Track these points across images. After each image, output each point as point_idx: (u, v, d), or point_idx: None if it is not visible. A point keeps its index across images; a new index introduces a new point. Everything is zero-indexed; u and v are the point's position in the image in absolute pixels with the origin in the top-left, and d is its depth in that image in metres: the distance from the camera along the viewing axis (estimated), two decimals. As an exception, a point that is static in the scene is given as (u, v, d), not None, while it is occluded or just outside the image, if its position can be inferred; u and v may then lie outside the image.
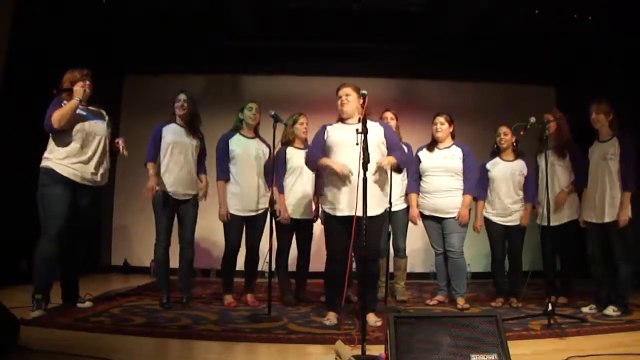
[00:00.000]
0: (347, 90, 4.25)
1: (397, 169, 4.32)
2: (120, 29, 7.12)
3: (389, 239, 5.13)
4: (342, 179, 4.02)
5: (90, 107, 4.59)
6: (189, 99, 4.92)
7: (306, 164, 4.41)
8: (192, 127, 4.96)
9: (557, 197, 5.20)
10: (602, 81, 6.83)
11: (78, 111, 4.39)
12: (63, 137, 4.35)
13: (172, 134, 4.87)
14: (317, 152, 4.26)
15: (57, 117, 4.24)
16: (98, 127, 4.55)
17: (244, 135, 5.06)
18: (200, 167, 5.08)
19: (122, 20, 6.97)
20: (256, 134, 5.14)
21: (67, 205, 4.29)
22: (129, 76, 8.07)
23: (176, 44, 7.42)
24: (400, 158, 4.18)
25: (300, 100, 7.13)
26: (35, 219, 4.29)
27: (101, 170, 4.55)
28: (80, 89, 4.39)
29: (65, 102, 4.33)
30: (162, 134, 4.86)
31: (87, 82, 4.49)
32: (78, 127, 4.39)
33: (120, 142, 4.69)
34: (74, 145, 4.37)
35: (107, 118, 4.71)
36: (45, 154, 4.37)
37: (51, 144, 4.39)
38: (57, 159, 4.32)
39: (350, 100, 4.21)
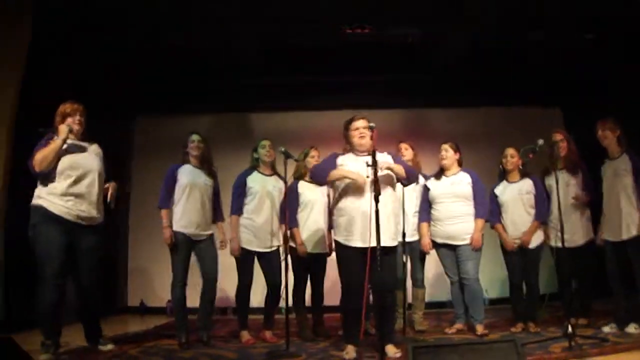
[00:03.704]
0: (365, 122, 4.16)
1: (406, 181, 4.29)
2: (130, 70, 7.28)
3: (404, 268, 5.12)
4: (357, 210, 4.00)
5: (82, 143, 4.40)
6: (202, 139, 5.00)
7: (313, 177, 4.33)
8: (207, 167, 5.01)
9: (577, 197, 5.11)
10: (608, 100, 6.85)
11: (67, 146, 4.19)
12: (50, 174, 4.14)
13: (188, 175, 4.89)
14: (327, 167, 4.20)
15: (39, 158, 4.06)
16: (89, 163, 4.34)
17: (261, 173, 5.11)
18: (217, 211, 5.07)
19: (132, 62, 7.14)
20: (274, 171, 5.19)
21: (61, 245, 4.10)
22: (140, 117, 8.22)
23: (186, 84, 7.57)
24: (407, 169, 4.18)
25: (310, 135, 7.17)
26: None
27: (97, 207, 4.36)
28: (65, 128, 4.16)
29: (56, 137, 4.16)
30: (177, 176, 4.88)
31: (78, 118, 4.30)
32: (66, 164, 4.18)
33: (110, 189, 4.49)
34: (63, 183, 4.15)
35: (100, 153, 4.53)
36: (36, 192, 4.18)
37: (40, 179, 4.19)
38: (49, 195, 4.12)
39: (367, 133, 4.10)
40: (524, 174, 5.27)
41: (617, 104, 6.53)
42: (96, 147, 4.53)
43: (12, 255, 5.29)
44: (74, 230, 4.20)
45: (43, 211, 4.09)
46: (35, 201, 4.15)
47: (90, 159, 4.38)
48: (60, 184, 4.15)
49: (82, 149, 4.37)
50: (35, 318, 4.14)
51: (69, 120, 4.25)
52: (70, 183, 4.18)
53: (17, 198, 5.10)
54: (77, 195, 4.20)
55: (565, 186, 5.08)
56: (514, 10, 6.19)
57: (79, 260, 4.29)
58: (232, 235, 4.99)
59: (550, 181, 5.11)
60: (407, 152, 5.34)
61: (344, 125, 4.31)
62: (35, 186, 4.23)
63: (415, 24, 6.76)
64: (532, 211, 5.18)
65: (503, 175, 5.34)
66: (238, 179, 5.11)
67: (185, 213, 4.83)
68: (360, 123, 4.19)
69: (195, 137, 4.98)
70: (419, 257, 5.39)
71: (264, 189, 5.02)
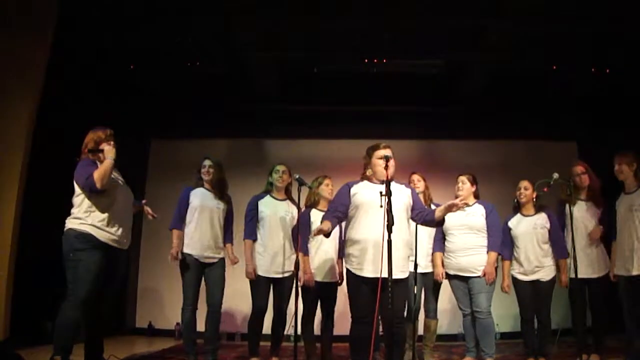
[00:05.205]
0: (390, 152, 4.03)
1: (433, 223, 4.22)
2: (147, 93, 7.36)
3: (415, 300, 5.06)
4: (369, 240, 3.94)
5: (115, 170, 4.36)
6: (214, 164, 5.05)
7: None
8: (219, 191, 5.05)
9: (592, 233, 5.07)
10: (624, 135, 6.82)
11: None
12: (102, 200, 4.12)
13: (199, 198, 4.98)
14: (329, 215, 4.10)
15: (100, 176, 3.99)
16: (127, 190, 4.43)
17: (274, 197, 5.13)
18: (227, 234, 5.11)
19: (149, 85, 7.22)
20: (288, 196, 5.20)
21: (99, 270, 4.05)
22: (154, 140, 8.28)
23: (202, 108, 7.64)
24: None
25: (323, 163, 7.21)
26: (60, 280, 4.13)
27: (129, 234, 4.41)
28: (112, 149, 4.14)
29: (98, 162, 4.14)
30: (190, 198, 4.99)
31: (112, 143, 4.24)
32: (113, 189, 4.20)
33: (146, 207, 4.68)
34: (114, 209, 4.16)
35: None
36: (79, 215, 4.10)
37: (83, 205, 4.11)
38: (97, 222, 4.09)
39: (391, 163, 3.92)
40: (539, 208, 5.21)
41: (633, 138, 6.50)
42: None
43: (19, 273, 5.34)
44: (111, 255, 4.18)
45: (90, 237, 4.05)
46: (79, 227, 4.07)
47: (127, 186, 4.44)
48: (109, 212, 4.14)
49: (119, 177, 4.39)
50: (54, 333, 4.05)
51: (106, 144, 4.20)
52: (117, 211, 4.19)
53: (27, 220, 5.18)
54: (120, 224, 4.22)
55: (583, 217, 5.05)
56: (532, 43, 6.23)
57: (107, 283, 4.22)
58: (246, 259, 4.99)
59: (573, 211, 5.01)
60: (419, 184, 5.31)
61: (367, 152, 4.20)
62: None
63: (436, 55, 6.80)
64: (545, 246, 5.11)
65: (518, 208, 5.29)
66: (250, 203, 5.14)
67: (195, 235, 4.91)
68: (388, 151, 4.05)
69: (207, 162, 5.07)
70: (433, 288, 5.33)
71: (275, 214, 5.03)
